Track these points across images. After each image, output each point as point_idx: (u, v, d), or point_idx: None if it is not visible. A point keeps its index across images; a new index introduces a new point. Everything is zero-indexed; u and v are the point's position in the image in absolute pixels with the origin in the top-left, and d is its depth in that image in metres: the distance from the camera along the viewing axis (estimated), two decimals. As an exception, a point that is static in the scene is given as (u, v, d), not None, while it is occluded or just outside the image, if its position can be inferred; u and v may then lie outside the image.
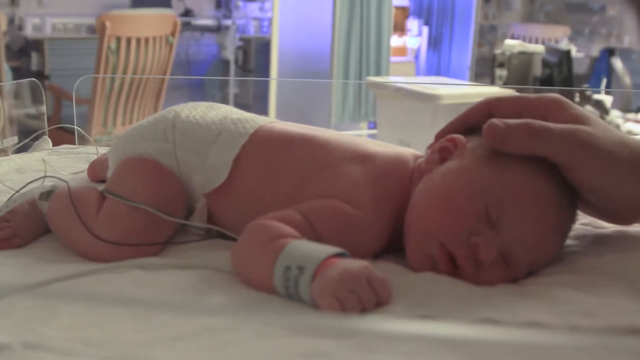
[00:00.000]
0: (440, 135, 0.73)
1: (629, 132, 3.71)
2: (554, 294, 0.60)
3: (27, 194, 0.78)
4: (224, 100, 4.71)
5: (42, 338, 0.53)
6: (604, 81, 4.22)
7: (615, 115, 3.69)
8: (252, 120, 0.79)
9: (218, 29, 5.28)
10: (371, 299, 0.57)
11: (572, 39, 5.14)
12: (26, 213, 0.76)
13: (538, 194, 0.65)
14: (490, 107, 0.72)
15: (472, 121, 0.73)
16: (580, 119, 0.67)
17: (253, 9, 5.50)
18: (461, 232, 0.64)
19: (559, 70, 3.47)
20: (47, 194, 0.77)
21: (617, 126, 3.68)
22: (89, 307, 0.57)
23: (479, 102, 0.73)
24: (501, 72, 3.76)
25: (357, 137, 0.79)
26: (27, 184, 0.81)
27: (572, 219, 0.69)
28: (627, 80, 4.07)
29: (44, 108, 1.33)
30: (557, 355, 0.51)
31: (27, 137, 1.21)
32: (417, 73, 5.17)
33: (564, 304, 0.58)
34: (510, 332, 0.45)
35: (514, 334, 0.44)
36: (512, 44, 3.90)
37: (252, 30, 5.49)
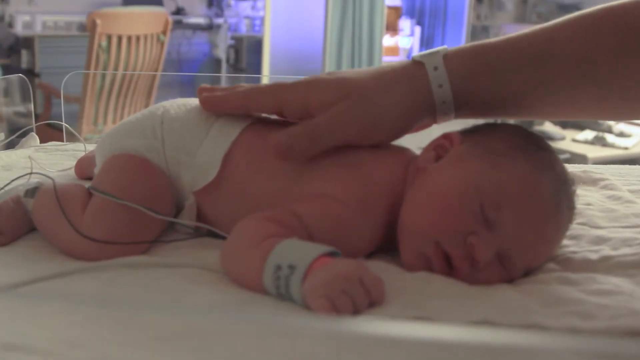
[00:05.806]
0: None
1: (621, 134, 3.72)
2: (551, 295, 0.59)
3: (12, 191, 0.76)
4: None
5: (24, 339, 0.51)
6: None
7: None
8: (242, 117, 0.78)
9: (210, 28, 5.26)
10: (364, 300, 0.55)
11: (564, 40, 5.13)
12: (10, 210, 0.74)
13: (535, 193, 0.64)
14: (248, 105, 0.74)
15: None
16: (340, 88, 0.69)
17: (245, 7, 5.49)
18: (457, 232, 0.62)
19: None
20: (32, 191, 0.75)
21: (609, 127, 3.69)
22: (72, 307, 0.55)
23: (240, 98, 0.74)
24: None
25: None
26: (12, 180, 0.79)
27: (569, 219, 0.68)
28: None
29: (31, 105, 1.32)
30: (556, 358, 0.49)
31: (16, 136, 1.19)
32: (410, 73, 5.16)
33: (562, 305, 0.57)
34: (506, 334, 0.43)
35: (511, 336, 0.43)
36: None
37: (244, 29, 5.47)
